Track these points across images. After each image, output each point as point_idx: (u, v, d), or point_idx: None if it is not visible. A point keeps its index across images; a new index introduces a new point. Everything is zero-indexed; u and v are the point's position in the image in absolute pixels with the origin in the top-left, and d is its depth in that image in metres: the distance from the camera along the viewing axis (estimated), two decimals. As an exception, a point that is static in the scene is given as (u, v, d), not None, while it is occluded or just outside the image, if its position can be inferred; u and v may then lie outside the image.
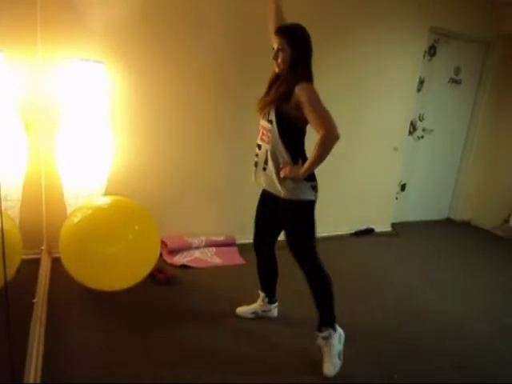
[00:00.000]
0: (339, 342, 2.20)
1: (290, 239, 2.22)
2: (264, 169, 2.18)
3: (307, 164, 2.05)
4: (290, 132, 2.12)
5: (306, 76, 2.08)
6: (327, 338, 2.17)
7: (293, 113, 2.05)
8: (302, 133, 2.15)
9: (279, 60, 2.08)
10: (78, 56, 2.70)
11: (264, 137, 2.16)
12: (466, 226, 5.19)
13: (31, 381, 1.69)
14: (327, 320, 2.20)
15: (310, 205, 2.16)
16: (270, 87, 2.19)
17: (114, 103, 2.94)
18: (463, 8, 4.35)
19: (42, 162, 2.78)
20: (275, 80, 2.17)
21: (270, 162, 2.13)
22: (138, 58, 3.01)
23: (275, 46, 2.09)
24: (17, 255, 2.29)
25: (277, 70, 2.14)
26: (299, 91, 2.00)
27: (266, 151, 2.15)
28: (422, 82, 4.50)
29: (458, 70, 4.75)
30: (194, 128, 3.32)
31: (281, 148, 2.10)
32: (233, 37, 3.27)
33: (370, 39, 3.91)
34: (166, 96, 3.16)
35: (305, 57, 2.09)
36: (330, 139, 1.98)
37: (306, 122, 2.10)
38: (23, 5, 2.57)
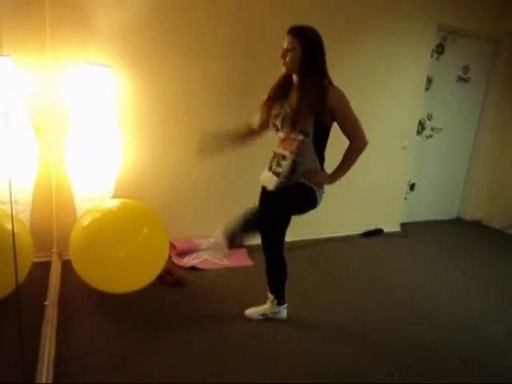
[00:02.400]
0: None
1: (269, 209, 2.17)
2: (287, 179, 2.12)
3: (339, 172, 2.10)
4: (322, 140, 2.13)
5: (329, 80, 2.07)
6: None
7: (327, 120, 2.06)
8: (328, 137, 2.16)
9: (287, 59, 2.06)
10: (86, 60, 2.73)
11: (290, 147, 2.08)
12: (476, 225, 5.14)
13: (43, 381, 1.71)
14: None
15: (311, 193, 2.13)
16: (283, 94, 2.15)
17: (123, 107, 2.97)
18: (471, 5, 4.31)
19: (51, 166, 2.81)
20: (286, 85, 2.16)
21: (299, 173, 2.10)
22: (146, 62, 3.03)
23: (285, 45, 2.07)
24: (28, 258, 2.32)
25: (284, 69, 2.13)
26: (334, 97, 2.00)
27: (294, 162, 2.08)
28: (430, 80, 4.48)
29: (466, 69, 4.71)
30: (200, 131, 3.33)
31: (314, 157, 2.10)
32: (239, 41, 3.27)
33: (378, 38, 3.89)
34: (173, 99, 3.18)
35: (318, 58, 2.06)
36: (363, 147, 2.04)
37: (331, 126, 2.11)
38: (32, 9, 2.60)
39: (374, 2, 3.77)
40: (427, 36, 4.17)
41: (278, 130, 2.19)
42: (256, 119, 2.30)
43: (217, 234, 2.07)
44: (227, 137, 2.31)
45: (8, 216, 2.22)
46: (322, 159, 2.16)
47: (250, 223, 2.11)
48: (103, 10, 2.83)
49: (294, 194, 2.15)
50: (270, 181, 2.18)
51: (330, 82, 2.09)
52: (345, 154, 2.06)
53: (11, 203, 1.76)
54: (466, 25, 4.37)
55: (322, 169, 2.16)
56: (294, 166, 2.09)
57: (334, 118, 2.06)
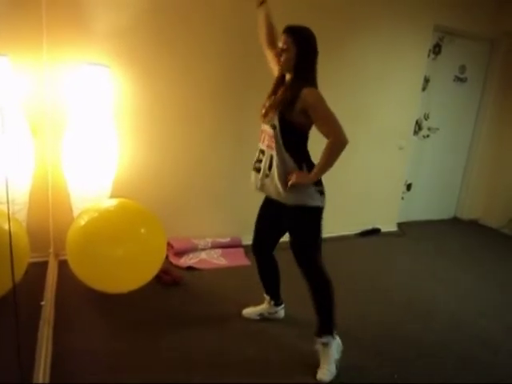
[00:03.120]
0: (337, 351, 2.17)
1: (295, 246, 2.19)
2: (267, 175, 2.13)
3: (316, 170, 2.05)
4: (294, 137, 2.09)
5: (311, 80, 2.07)
6: (326, 345, 2.15)
7: (297, 118, 2.03)
8: (306, 138, 2.13)
9: (282, 59, 2.07)
10: (83, 60, 2.73)
11: (267, 142, 2.12)
12: (473, 224, 5.15)
13: (40, 381, 1.71)
14: (327, 327, 2.18)
15: (318, 211, 2.13)
16: (274, 91, 2.17)
17: (120, 107, 2.96)
18: (467, 5, 4.32)
19: (48, 166, 2.80)
20: (279, 83, 2.17)
21: (275, 168, 2.09)
22: (143, 62, 3.03)
23: (280, 44, 2.08)
24: (24, 258, 2.31)
25: (279, 69, 2.14)
26: (306, 96, 1.99)
27: (271, 157, 2.11)
28: (427, 80, 4.49)
29: (463, 69, 4.72)
30: (198, 131, 3.34)
31: (285, 154, 2.08)
32: (236, 41, 3.27)
33: (374, 38, 3.90)
34: (170, 100, 3.18)
35: (310, 59, 2.07)
36: (338, 145, 2.00)
37: (309, 127, 2.10)
38: (29, 9, 2.59)
39: (371, 1, 3.78)
40: (424, 36, 4.18)
41: (262, 122, 2.19)
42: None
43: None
44: None
45: (4, 215, 2.21)
46: (301, 159, 2.11)
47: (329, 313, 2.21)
48: (100, 10, 2.82)
49: (305, 224, 2.16)
50: (255, 179, 2.20)
51: (312, 83, 2.07)
52: (322, 153, 2.03)
53: (8, 203, 1.75)
54: (462, 25, 4.39)
55: (302, 169, 2.10)
56: (271, 160, 2.11)
57: (308, 119, 2.04)
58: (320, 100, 2.00)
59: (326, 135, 2.01)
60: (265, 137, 2.15)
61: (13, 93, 2.50)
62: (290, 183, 2.05)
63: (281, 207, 2.16)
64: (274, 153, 2.09)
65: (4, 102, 2.41)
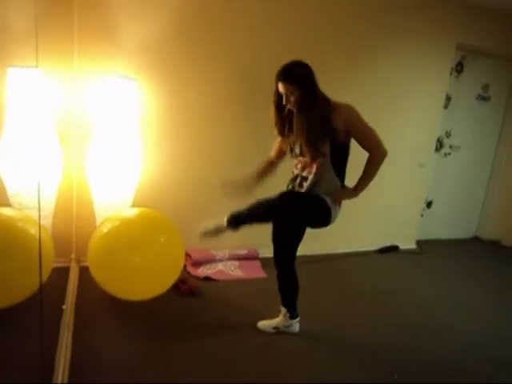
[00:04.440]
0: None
1: (280, 229, 2.28)
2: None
3: (361, 185, 2.15)
4: (341, 158, 2.18)
5: (325, 99, 2.13)
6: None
7: (341, 138, 2.10)
8: (348, 154, 2.22)
9: (292, 103, 2.15)
10: (111, 72, 2.83)
11: (309, 169, 2.18)
12: (494, 245, 5.05)
13: (59, 379, 1.76)
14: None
15: (325, 208, 2.18)
16: (284, 124, 2.26)
17: (144, 118, 3.05)
18: (491, 25, 4.31)
19: (74, 175, 2.89)
20: (283, 115, 2.25)
21: (316, 189, 2.17)
22: (169, 75, 3.12)
23: (283, 91, 2.14)
24: (49, 263, 2.38)
25: (290, 107, 2.20)
26: (345, 113, 2.06)
27: (314, 182, 2.17)
28: (449, 98, 4.48)
29: (486, 87, 4.69)
30: (220, 144, 3.40)
31: (332, 176, 2.16)
32: (264, 53, 3.33)
33: (398, 55, 3.92)
34: (193, 112, 3.25)
35: (312, 86, 2.13)
36: (382, 155, 2.07)
37: (349, 142, 2.16)
38: (61, 23, 2.70)
39: (394, 19, 3.82)
40: (447, 55, 4.19)
41: (297, 155, 2.26)
42: (272, 150, 2.45)
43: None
44: (246, 184, 2.46)
45: (32, 221, 2.29)
46: (341, 177, 2.21)
47: (255, 210, 2.24)
48: (128, 25, 2.93)
49: (309, 202, 2.20)
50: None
51: (329, 101, 2.13)
52: (365, 166, 2.11)
53: (39, 210, 1.83)
54: (486, 44, 4.37)
55: (343, 186, 2.20)
56: (314, 186, 2.17)
57: (348, 134, 2.09)
58: (357, 114, 2.09)
59: (368, 148, 2.07)
60: (306, 165, 2.20)
61: (43, 103, 2.61)
62: (335, 202, 2.15)
63: None
64: (323, 178, 2.16)
65: (35, 112, 2.52)
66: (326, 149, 2.12)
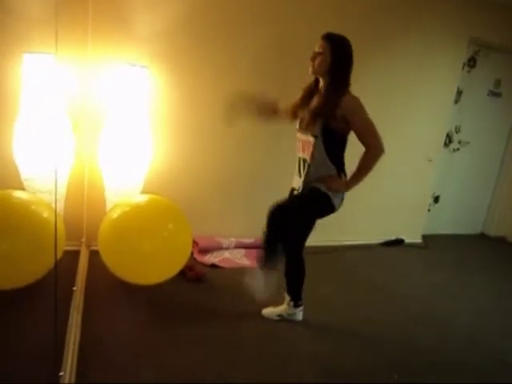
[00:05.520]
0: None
1: (289, 222, 2.27)
2: (307, 182, 2.25)
3: (354, 179, 2.14)
4: (335, 144, 2.18)
5: (346, 87, 2.14)
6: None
7: (338, 126, 2.11)
8: (345, 144, 2.22)
9: (316, 62, 2.14)
10: (123, 60, 2.86)
11: (307, 151, 2.21)
12: (500, 242, 5.06)
13: (69, 360, 1.83)
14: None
15: (328, 200, 2.20)
16: (307, 98, 2.25)
17: (156, 106, 3.09)
18: (504, 19, 4.27)
19: (85, 160, 2.95)
20: (312, 91, 2.24)
21: (313, 175, 2.20)
22: (181, 64, 3.15)
23: (316, 49, 2.16)
24: (61, 246, 2.44)
25: (310, 71, 2.20)
26: (348, 104, 2.06)
27: (309, 165, 2.21)
28: (460, 93, 4.45)
29: (498, 83, 4.66)
30: (229, 133, 3.41)
31: (326, 161, 2.17)
32: (272, 47, 3.35)
33: (409, 49, 3.91)
34: (204, 101, 3.28)
35: (344, 65, 2.13)
36: (377, 153, 2.07)
37: (348, 133, 2.17)
38: (76, 10, 2.72)
39: (407, 14, 3.80)
40: (459, 49, 4.17)
41: (300, 132, 2.29)
42: (282, 106, 2.44)
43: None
44: (255, 102, 2.44)
45: (45, 205, 2.35)
46: (338, 165, 2.21)
47: (274, 248, 2.35)
48: (142, 13, 2.96)
49: (307, 200, 2.24)
50: (297, 183, 2.32)
51: (348, 90, 2.15)
52: (360, 161, 2.10)
53: (55, 194, 1.88)
54: (498, 39, 4.34)
55: (340, 175, 2.22)
56: (309, 170, 2.21)
57: (348, 125, 2.10)
58: (361, 108, 2.08)
59: (365, 143, 2.07)
60: (305, 146, 2.22)
61: (57, 90, 2.65)
62: (327, 188, 2.15)
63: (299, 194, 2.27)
64: (316, 161, 2.18)
65: (49, 98, 2.56)
66: (318, 130, 2.13)
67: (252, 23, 3.27)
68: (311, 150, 2.18)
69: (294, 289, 2.57)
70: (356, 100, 2.09)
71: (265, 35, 3.32)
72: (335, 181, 2.15)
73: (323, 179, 2.19)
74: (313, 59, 2.17)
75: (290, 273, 2.53)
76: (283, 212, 2.28)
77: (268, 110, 2.47)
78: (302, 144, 2.26)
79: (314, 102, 2.21)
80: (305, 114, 2.25)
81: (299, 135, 2.28)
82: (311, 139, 2.16)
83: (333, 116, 2.09)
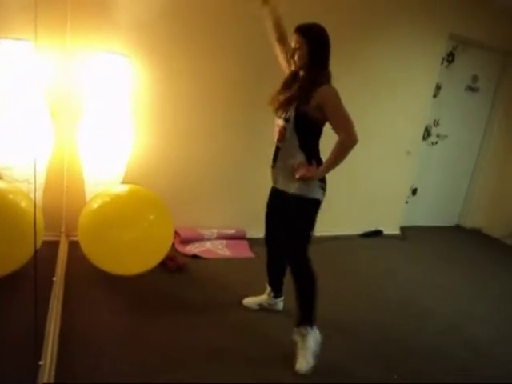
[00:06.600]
0: (315, 343, 2.19)
1: (287, 234, 2.26)
2: (280, 167, 2.24)
3: (324, 166, 2.12)
4: (307, 132, 2.16)
5: (326, 77, 2.14)
6: (304, 336, 2.19)
7: (312, 113, 2.10)
8: (319, 133, 2.20)
9: (296, 57, 2.14)
10: (104, 49, 2.82)
11: (279, 136, 2.20)
12: (475, 233, 5.20)
13: (49, 349, 1.82)
14: (307, 318, 2.22)
15: (316, 204, 2.21)
16: (286, 85, 2.24)
17: (137, 96, 3.06)
18: (484, 16, 4.36)
19: (65, 149, 2.90)
20: (291, 79, 2.24)
21: (284, 160, 2.20)
22: (162, 54, 3.12)
23: (293, 44, 2.15)
24: (39, 236, 2.41)
25: (293, 67, 2.21)
26: (322, 93, 2.06)
27: (280, 149, 2.21)
28: (438, 87, 4.54)
29: (475, 78, 4.77)
30: (210, 123, 3.43)
31: (296, 147, 2.16)
32: (251, 36, 3.32)
33: (389, 43, 3.96)
34: (185, 91, 3.27)
35: (322, 56, 2.14)
36: (349, 143, 2.06)
37: (323, 123, 2.17)
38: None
39: (387, 7, 3.84)
40: (439, 44, 4.24)
41: (277, 117, 2.26)
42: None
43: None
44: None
45: (23, 194, 2.32)
46: (310, 153, 2.18)
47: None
48: (123, 1, 2.91)
49: (299, 215, 2.21)
50: (280, 180, 2.28)
51: (328, 79, 2.14)
52: (332, 150, 2.09)
53: (35, 183, 1.85)
54: (477, 36, 4.43)
55: (311, 162, 2.16)
56: (278, 150, 2.21)
57: (323, 115, 2.11)
58: (335, 98, 2.08)
59: (338, 132, 2.08)
60: (278, 131, 2.22)
61: (35, 77, 2.60)
62: (297, 176, 2.13)
63: (283, 196, 2.24)
64: (285, 145, 2.18)
65: (26, 85, 2.51)
66: (290, 114, 2.12)
67: (234, 13, 3.26)
68: (284, 134, 2.17)
69: (276, 281, 2.57)
70: (332, 90, 2.10)
71: (247, 24, 3.30)
72: (305, 167, 2.14)
73: (295, 173, 2.15)
74: (292, 56, 2.17)
75: (272, 265, 2.54)
76: (279, 237, 2.34)
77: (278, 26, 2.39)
78: (276, 129, 2.24)
79: (293, 89, 2.21)
80: (280, 96, 2.24)
81: (275, 120, 2.27)
82: (283, 123, 2.16)
83: (306, 101, 2.08)
